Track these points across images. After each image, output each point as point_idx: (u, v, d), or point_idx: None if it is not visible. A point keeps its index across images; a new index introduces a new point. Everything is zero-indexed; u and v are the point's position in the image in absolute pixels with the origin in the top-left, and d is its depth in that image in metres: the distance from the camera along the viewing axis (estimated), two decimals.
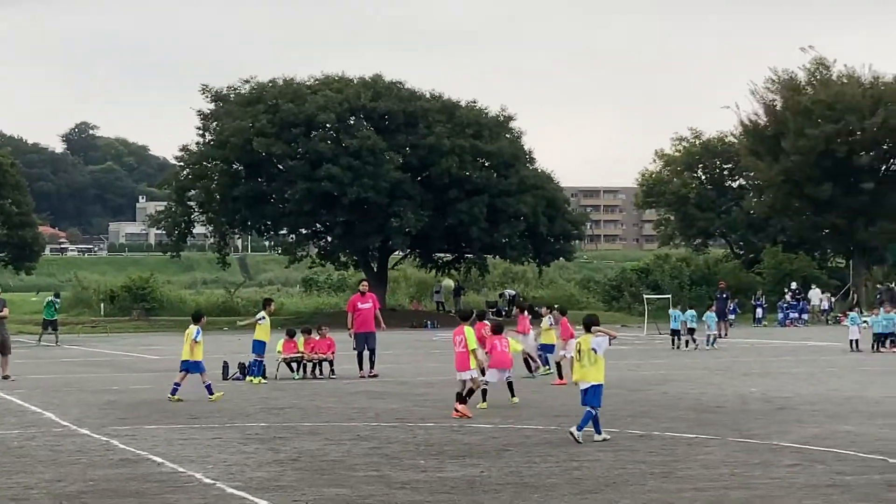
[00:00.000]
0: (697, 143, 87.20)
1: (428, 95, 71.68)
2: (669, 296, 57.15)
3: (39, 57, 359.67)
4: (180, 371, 24.50)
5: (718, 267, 79.30)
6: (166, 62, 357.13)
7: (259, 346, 28.80)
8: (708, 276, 74.63)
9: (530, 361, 30.33)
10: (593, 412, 17.09)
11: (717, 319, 46.57)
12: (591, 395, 17.15)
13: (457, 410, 20.72)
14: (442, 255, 75.17)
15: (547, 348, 30.88)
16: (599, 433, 17.20)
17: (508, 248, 69.48)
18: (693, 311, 43.59)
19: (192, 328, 24.49)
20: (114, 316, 70.23)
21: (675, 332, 42.49)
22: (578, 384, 17.48)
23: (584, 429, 17.00)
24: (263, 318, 29.42)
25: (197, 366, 24.32)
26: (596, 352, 17.22)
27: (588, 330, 17.55)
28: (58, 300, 53.79)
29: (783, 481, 13.77)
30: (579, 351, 17.41)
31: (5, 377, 29.80)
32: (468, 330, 21.81)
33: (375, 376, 29.78)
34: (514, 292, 79.27)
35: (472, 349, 21.48)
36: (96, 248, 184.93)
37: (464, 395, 21.13)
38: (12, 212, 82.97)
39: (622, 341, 48.00)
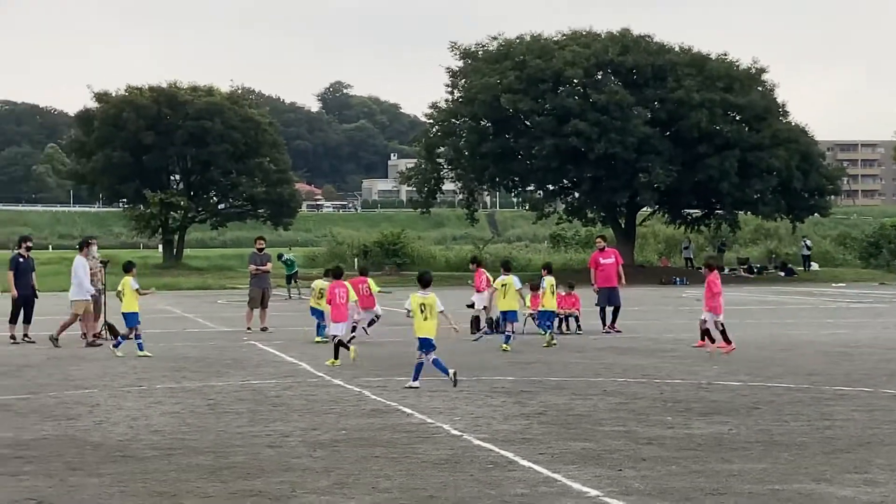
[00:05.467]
0: None
1: (677, 49, 70.61)
2: None
3: (296, 19, 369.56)
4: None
5: None
6: (417, 21, 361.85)
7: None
8: None
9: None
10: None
11: None
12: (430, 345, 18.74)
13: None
14: (691, 210, 74.14)
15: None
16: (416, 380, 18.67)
17: (760, 203, 67.95)
18: None
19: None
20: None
21: None
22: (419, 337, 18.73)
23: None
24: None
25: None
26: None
27: (425, 287, 19.07)
28: (291, 255, 56.09)
29: None
30: (424, 305, 18.77)
31: (263, 329, 30.86)
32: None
33: (619, 332, 29.66)
34: (810, 244, 76.97)
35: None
36: (350, 205, 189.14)
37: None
38: (270, 169, 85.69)
39: (879, 299, 46.58)
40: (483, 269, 30.22)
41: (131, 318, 25.02)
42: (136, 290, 25.43)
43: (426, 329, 18.72)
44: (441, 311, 18.76)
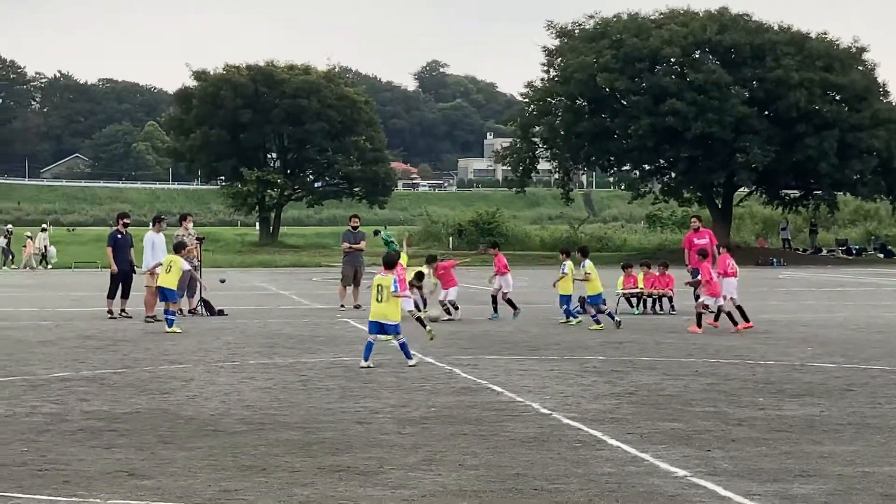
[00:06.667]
0: None
1: (776, 28, 69.73)
2: None
3: None
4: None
5: None
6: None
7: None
8: None
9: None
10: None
11: None
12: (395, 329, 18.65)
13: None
14: (789, 191, 73.28)
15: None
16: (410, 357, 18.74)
17: (859, 184, 66.97)
18: None
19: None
20: (461, 249, 71.93)
21: None
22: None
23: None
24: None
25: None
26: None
27: (390, 269, 18.94)
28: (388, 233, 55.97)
29: None
30: (380, 286, 18.51)
31: (356, 306, 31.06)
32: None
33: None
34: None
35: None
36: (446, 184, 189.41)
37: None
38: (366, 148, 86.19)
39: None
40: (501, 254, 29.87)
41: (171, 293, 25.36)
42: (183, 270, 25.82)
43: (380, 312, 18.51)
44: (393, 292, 18.52)
